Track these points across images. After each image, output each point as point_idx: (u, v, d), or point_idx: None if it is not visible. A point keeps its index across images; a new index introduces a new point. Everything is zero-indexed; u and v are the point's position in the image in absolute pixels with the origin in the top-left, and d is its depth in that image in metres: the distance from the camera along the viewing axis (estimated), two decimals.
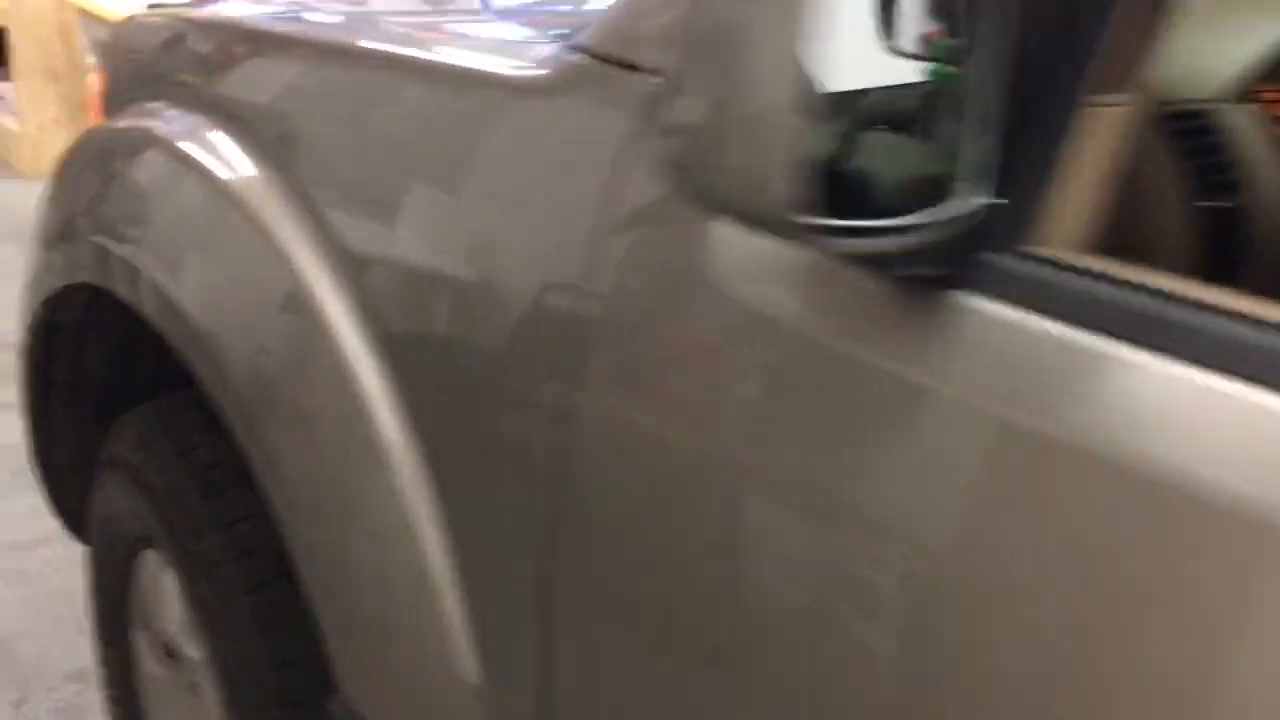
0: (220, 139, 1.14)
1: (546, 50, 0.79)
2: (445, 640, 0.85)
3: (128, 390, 1.45)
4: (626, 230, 0.68)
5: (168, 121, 1.25)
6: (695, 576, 0.67)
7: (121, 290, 1.17)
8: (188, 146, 1.17)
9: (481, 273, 0.79)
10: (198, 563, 1.09)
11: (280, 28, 1.14)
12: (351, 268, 0.93)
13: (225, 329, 1.03)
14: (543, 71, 0.76)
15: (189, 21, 1.32)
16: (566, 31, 0.82)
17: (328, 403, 0.93)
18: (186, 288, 1.08)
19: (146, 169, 1.23)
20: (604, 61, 0.71)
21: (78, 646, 1.95)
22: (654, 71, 0.67)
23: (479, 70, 0.81)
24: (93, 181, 1.28)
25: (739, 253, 0.62)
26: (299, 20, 1.21)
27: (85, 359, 1.42)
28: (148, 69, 1.37)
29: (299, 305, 0.95)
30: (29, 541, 2.23)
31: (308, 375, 0.95)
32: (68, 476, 1.51)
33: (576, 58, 0.74)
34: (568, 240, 0.71)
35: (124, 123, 1.29)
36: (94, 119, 1.43)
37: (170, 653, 1.31)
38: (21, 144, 4.43)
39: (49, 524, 2.25)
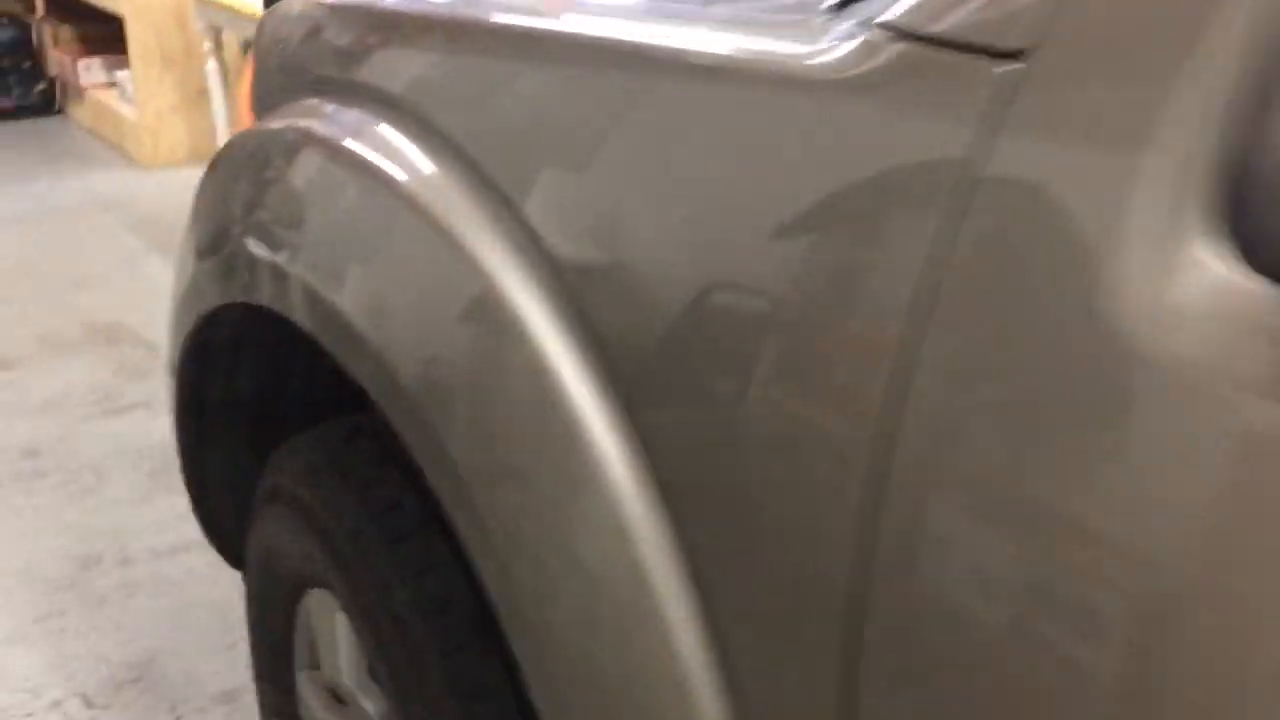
0: (389, 135, 1.03)
1: (825, 33, 0.64)
2: None
3: (286, 411, 1.35)
4: (983, 251, 0.54)
5: (327, 119, 1.13)
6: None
7: (283, 307, 1.06)
8: (354, 145, 1.05)
9: (762, 289, 0.65)
10: (380, 616, 0.98)
11: (458, 12, 1.01)
12: (560, 274, 0.80)
13: (403, 343, 0.91)
14: (836, 57, 0.61)
15: (343, 9, 1.20)
16: (834, 3, 0.67)
17: (530, 426, 0.80)
18: (359, 299, 0.97)
19: (308, 171, 1.11)
20: (936, 45, 0.56)
21: (227, 663, 1.88)
22: (1015, 55, 0.53)
23: (749, 59, 0.66)
24: (248, 189, 1.17)
25: (1159, 298, 0.48)
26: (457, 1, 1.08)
27: (239, 377, 1.32)
28: (297, 63, 1.26)
29: (492, 312, 0.83)
30: (169, 548, 2.17)
31: (507, 393, 0.82)
32: (221, 501, 1.41)
33: (887, 40, 0.59)
34: (898, 260, 0.57)
35: (278, 123, 1.18)
36: (244, 118, 1.32)
37: (339, 699, 1.21)
38: (140, 132, 4.41)
39: (191, 529, 2.18)
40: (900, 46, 0.58)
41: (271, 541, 1.20)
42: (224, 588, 2.02)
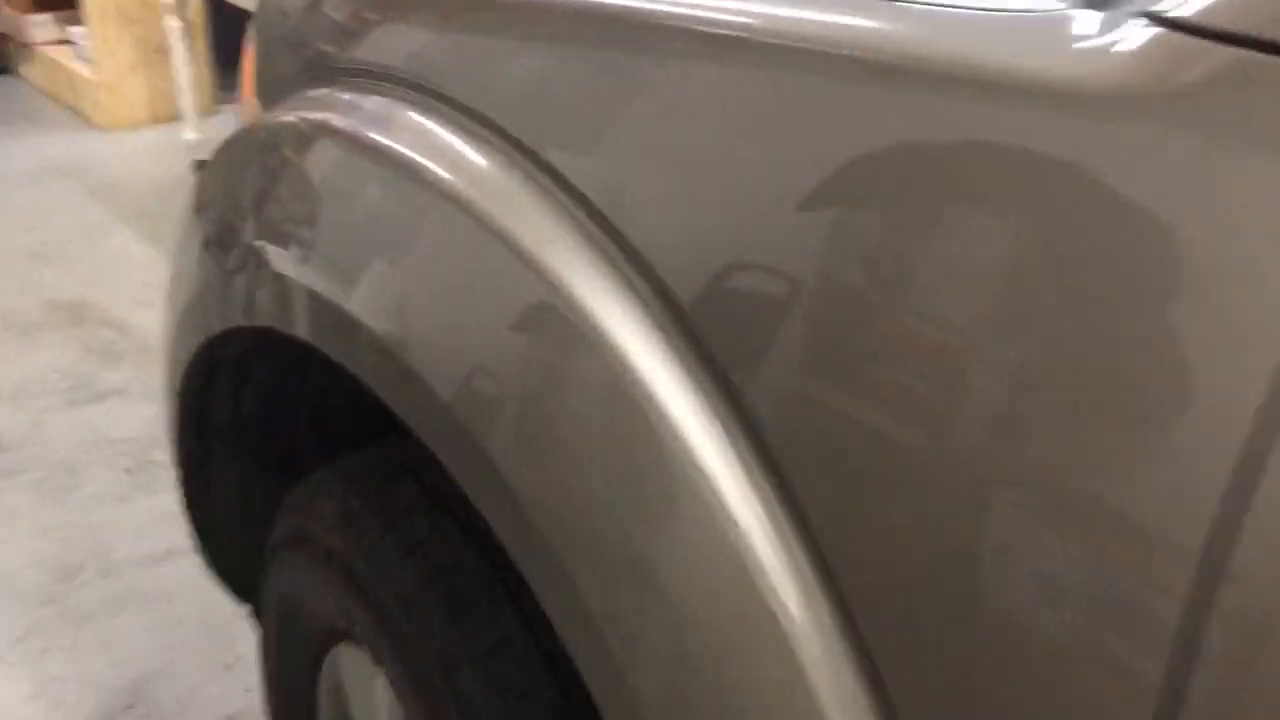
0: (425, 125, 0.88)
1: (1083, 32, 0.49)
2: None
3: (301, 434, 1.20)
4: None
5: (348, 108, 0.98)
6: None
7: (314, 338, 0.91)
8: (387, 140, 0.90)
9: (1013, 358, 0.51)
10: (442, 698, 0.84)
11: None
12: (662, 285, 0.67)
13: (461, 369, 0.77)
14: (1116, 67, 0.47)
15: None
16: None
17: (631, 460, 0.66)
18: (403, 323, 0.82)
19: (334, 173, 0.96)
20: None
21: (227, 685, 1.74)
22: None
23: (968, 62, 0.51)
24: (259, 195, 1.01)
25: None
26: None
27: (247, 396, 1.17)
28: (306, 40, 1.10)
29: (572, 323, 0.69)
30: (155, 556, 2.02)
31: (604, 435, 0.68)
32: (228, 531, 1.26)
33: (1197, 45, 0.45)
34: (1252, 335, 0.43)
35: (289, 115, 1.02)
36: (246, 104, 1.16)
37: None
38: (97, 92, 4.18)
39: (178, 534, 2.03)
40: (1225, 54, 0.44)
41: (296, 590, 1.05)
42: (218, 600, 1.87)
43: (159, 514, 2.11)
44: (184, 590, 1.93)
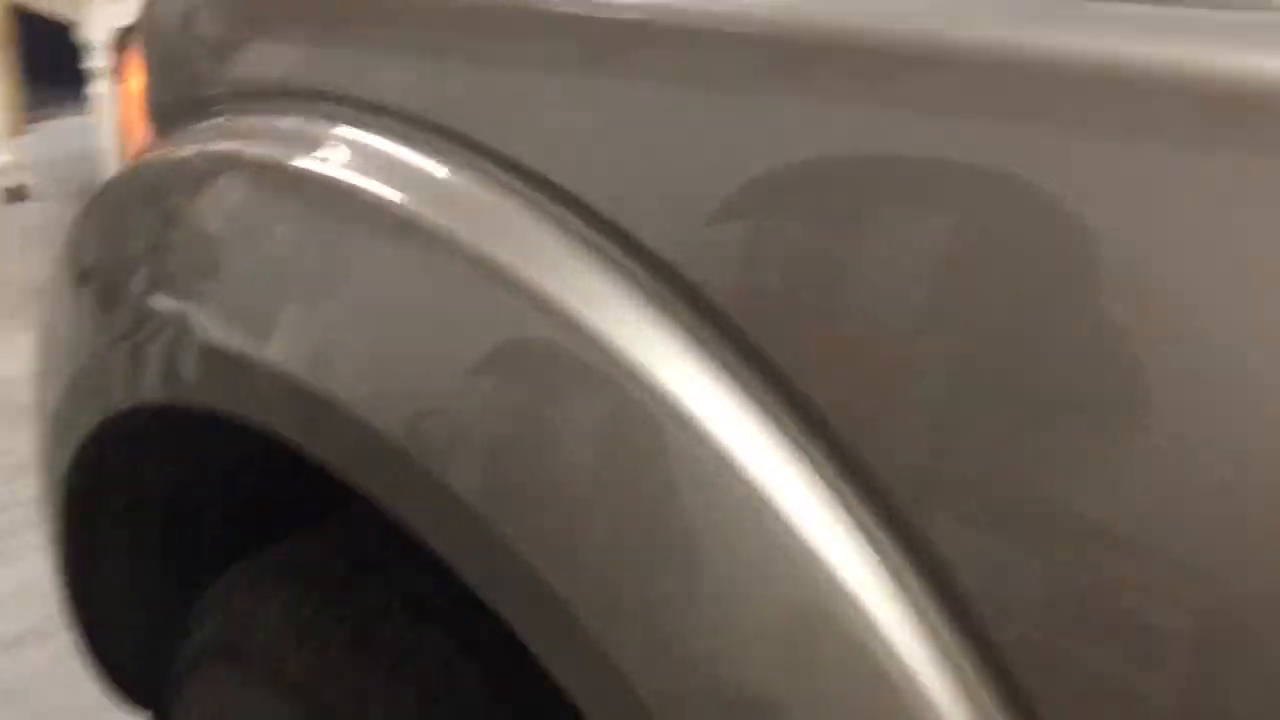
0: (362, 141, 0.75)
1: None
2: None
3: (210, 512, 1.04)
4: None
5: (262, 134, 0.84)
6: None
7: (247, 409, 0.76)
8: (320, 165, 0.77)
9: None
10: None
11: None
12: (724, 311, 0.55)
13: (455, 434, 0.64)
14: None
15: None
16: None
17: (699, 516, 0.55)
18: (379, 383, 0.69)
19: (249, 205, 0.82)
20: None
21: None
22: None
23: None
24: (152, 243, 0.85)
25: None
26: None
27: (145, 474, 1.00)
28: (195, 58, 0.94)
29: (578, 338, 0.59)
30: (12, 639, 1.79)
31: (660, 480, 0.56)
32: (120, 629, 1.08)
33: None
34: None
35: (187, 148, 0.87)
36: (131, 131, 0.99)
37: None
38: None
39: (29, 614, 1.81)
40: None
41: (228, 712, 0.89)
42: (84, 690, 1.66)
43: (16, 590, 1.88)
44: (42, 683, 1.70)
